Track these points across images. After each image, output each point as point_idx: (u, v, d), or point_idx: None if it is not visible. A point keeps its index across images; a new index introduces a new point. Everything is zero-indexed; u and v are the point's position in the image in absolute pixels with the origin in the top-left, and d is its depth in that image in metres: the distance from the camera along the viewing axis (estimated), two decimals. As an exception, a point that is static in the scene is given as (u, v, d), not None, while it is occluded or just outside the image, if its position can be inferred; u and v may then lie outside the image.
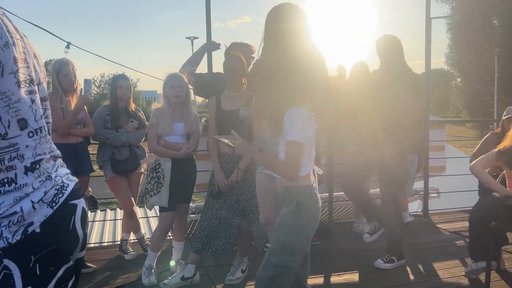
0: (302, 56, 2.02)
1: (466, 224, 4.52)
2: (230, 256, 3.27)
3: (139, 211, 4.82)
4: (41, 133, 1.14)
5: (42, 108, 1.19)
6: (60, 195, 1.16)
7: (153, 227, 3.71)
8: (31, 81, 1.13)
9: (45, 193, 1.12)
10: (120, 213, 6.58)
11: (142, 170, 3.79)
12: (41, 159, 1.14)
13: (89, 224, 6.32)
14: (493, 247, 3.02)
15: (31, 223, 1.08)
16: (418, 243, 4.03)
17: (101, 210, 7.93)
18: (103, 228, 6.45)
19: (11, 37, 1.08)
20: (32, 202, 1.09)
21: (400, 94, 3.28)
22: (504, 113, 3.88)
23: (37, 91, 1.16)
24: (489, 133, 3.93)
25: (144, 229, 6.02)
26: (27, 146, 1.10)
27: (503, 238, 3.18)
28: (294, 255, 1.99)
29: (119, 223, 5.27)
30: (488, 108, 26.79)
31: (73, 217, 1.18)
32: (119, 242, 3.97)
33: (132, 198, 3.74)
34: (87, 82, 3.39)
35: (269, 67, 2.03)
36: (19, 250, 1.06)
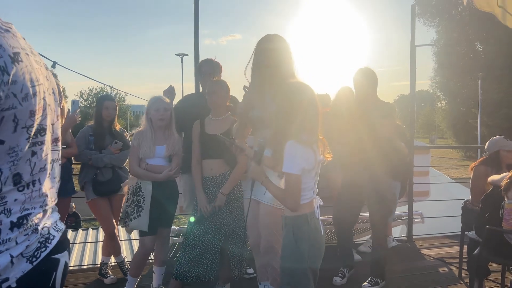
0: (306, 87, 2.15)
1: (449, 250, 4.58)
2: (212, 282, 3.20)
3: (122, 233, 4.73)
4: (33, 186, 1.07)
5: (53, 150, 1.14)
6: (43, 249, 1.07)
7: (136, 250, 3.63)
8: (40, 131, 1.07)
9: (27, 246, 1.04)
10: (102, 233, 6.45)
11: (124, 192, 3.73)
12: (29, 214, 1.06)
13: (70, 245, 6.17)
14: (475, 277, 3.03)
15: (6, 279, 1.00)
16: (402, 270, 4.01)
17: (82, 230, 7.76)
18: (83, 250, 6.29)
19: (33, 85, 1.03)
20: (11, 256, 1.01)
21: (375, 120, 3.44)
22: (497, 144, 3.85)
23: (46, 139, 1.10)
24: (475, 166, 3.90)
25: (126, 252, 5.92)
26: (15, 200, 1.03)
27: (486, 270, 3.18)
28: (301, 283, 1.99)
29: (100, 245, 5.16)
30: (472, 130, 27.31)
31: (54, 273, 1.10)
32: (99, 265, 3.87)
33: (114, 220, 3.66)
34: (74, 103, 3.35)
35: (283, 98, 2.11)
36: None
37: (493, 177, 3.26)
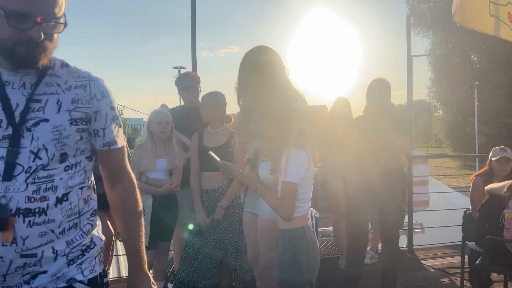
0: (296, 96, 2.11)
1: (451, 260, 4.56)
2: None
3: (120, 248, 4.68)
4: (75, 168, 1.24)
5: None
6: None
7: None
8: (87, 121, 1.25)
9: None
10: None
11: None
12: (70, 192, 1.22)
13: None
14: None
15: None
16: (404, 281, 3.97)
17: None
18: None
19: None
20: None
21: (391, 131, 3.35)
22: (490, 154, 3.85)
23: (95, 132, 1.29)
24: (474, 177, 3.89)
25: (125, 267, 5.85)
26: (61, 178, 1.19)
27: (488, 280, 3.16)
28: None
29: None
30: (470, 139, 27.36)
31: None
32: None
33: (112, 234, 3.62)
34: None
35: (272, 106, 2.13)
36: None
37: (492, 185, 3.23)
